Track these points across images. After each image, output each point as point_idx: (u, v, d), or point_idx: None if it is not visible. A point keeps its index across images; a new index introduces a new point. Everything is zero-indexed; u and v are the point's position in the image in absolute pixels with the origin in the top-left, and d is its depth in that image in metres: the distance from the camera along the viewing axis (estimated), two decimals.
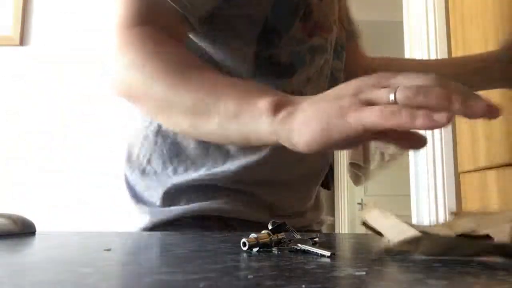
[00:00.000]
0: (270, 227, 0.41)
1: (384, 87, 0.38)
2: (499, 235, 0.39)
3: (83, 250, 0.39)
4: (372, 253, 0.38)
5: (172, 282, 0.24)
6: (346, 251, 0.42)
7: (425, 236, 0.34)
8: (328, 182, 0.80)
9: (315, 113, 0.39)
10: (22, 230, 0.51)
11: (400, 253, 0.37)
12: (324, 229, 0.92)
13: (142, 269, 0.29)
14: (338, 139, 0.38)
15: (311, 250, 0.35)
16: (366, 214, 0.42)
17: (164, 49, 0.52)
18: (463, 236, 0.36)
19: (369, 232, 0.44)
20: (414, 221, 1.61)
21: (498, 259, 0.33)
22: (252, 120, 0.43)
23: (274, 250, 0.38)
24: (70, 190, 1.83)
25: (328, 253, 0.34)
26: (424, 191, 1.54)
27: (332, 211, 3.94)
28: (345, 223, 3.89)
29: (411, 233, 0.35)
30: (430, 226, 0.41)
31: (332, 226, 3.88)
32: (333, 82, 0.72)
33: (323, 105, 0.39)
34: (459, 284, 0.24)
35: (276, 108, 0.42)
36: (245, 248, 0.37)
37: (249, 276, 0.26)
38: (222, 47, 0.63)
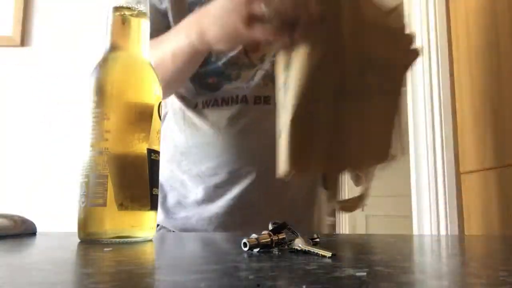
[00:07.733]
0: (270, 227, 0.41)
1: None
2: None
3: (83, 250, 0.39)
4: (373, 253, 0.38)
5: (172, 282, 0.24)
6: (347, 251, 0.41)
7: None
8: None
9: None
10: (23, 230, 0.51)
11: (401, 253, 0.37)
12: (325, 230, 0.92)
13: (142, 269, 0.29)
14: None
15: (312, 250, 0.35)
16: None
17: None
18: None
19: (370, 232, 0.43)
20: (414, 221, 1.61)
21: (498, 259, 0.33)
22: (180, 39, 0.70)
23: (275, 250, 0.38)
24: (71, 190, 1.83)
25: (329, 254, 0.34)
26: (425, 191, 1.54)
27: (332, 211, 3.93)
28: (345, 223, 3.88)
29: None
30: None
31: (333, 226, 3.87)
32: None
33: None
34: (459, 284, 0.24)
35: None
36: (245, 249, 0.37)
37: (250, 277, 0.26)
38: None
